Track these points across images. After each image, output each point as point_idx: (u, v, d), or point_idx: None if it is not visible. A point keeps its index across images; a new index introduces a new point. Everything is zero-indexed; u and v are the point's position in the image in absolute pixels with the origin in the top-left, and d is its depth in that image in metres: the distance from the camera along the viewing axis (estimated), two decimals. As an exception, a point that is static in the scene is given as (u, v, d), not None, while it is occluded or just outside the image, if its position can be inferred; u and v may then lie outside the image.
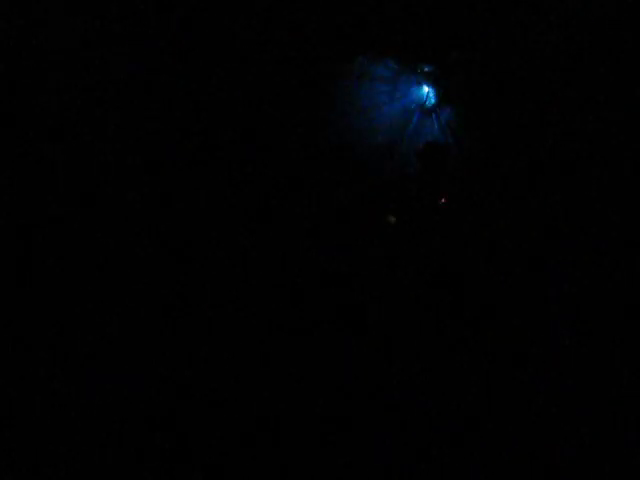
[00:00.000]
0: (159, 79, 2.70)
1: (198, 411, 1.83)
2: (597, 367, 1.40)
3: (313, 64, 4.40)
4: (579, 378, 1.38)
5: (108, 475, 2.79)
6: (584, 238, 1.38)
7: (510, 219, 1.40)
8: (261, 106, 3.93)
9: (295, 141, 3.98)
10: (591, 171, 1.35)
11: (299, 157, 3.57)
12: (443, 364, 1.52)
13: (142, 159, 2.68)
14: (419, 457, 3.24)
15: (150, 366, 1.82)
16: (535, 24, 1.94)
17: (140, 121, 2.74)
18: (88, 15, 3.34)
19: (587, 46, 1.61)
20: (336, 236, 3.53)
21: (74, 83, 3.39)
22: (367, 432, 3.74)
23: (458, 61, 2.72)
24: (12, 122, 3.47)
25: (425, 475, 1.95)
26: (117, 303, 2.29)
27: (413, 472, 3.07)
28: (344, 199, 3.56)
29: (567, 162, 1.33)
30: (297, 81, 4.19)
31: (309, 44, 4.16)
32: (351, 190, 3.64)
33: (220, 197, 2.82)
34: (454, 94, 2.88)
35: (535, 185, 1.37)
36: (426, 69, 8.23)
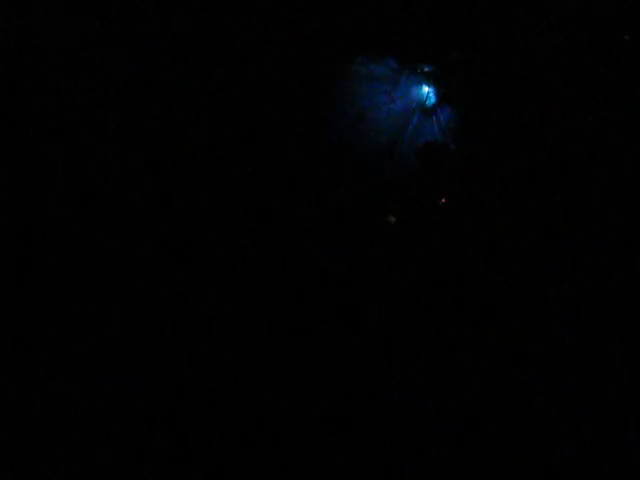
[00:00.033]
0: (159, 79, 2.70)
1: (198, 411, 1.83)
2: (597, 367, 1.40)
3: (313, 64, 4.41)
4: (579, 378, 1.38)
5: (108, 475, 2.79)
6: (584, 238, 1.38)
7: (510, 219, 1.40)
8: (261, 106, 3.94)
9: (295, 141, 3.98)
10: (591, 171, 1.35)
11: (299, 157, 3.57)
12: (443, 364, 1.52)
13: (142, 159, 2.68)
14: (419, 457, 3.24)
15: (150, 366, 1.82)
16: (535, 24, 1.94)
17: (140, 121, 2.74)
18: (88, 15, 3.34)
19: (587, 46, 1.61)
20: (336, 236, 3.53)
21: (74, 83, 3.39)
22: (367, 432, 3.74)
23: (458, 61, 2.72)
24: (12, 122, 3.47)
25: (425, 475, 1.95)
26: (117, 303, 2.29)
27: (413, 472, 3.08)
28: (344, 199, 3.56)
29: (567, 162, 1.33)
30: (297, 81, 4.19)
31: (309, 44, 4.16)
32: (351, 190, 3.64)
33: (220, 197, 2.83)
34: (454, 94, 2.88)
35: (535, 185, 1.37)
36: (426, 69, 8.24)
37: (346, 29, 4.62)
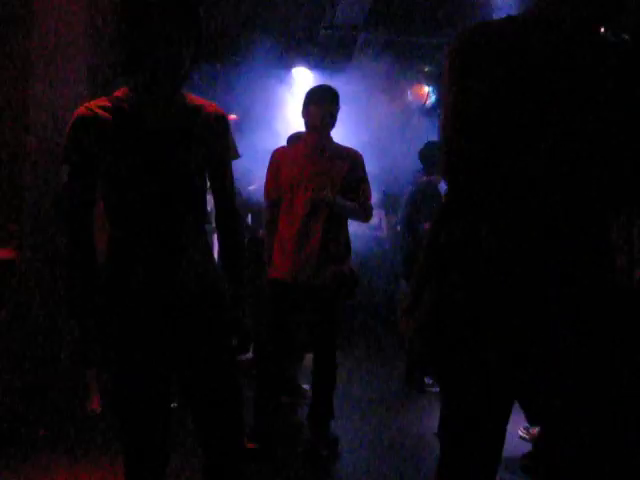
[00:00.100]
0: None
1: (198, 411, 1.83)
2: (597, 367, 1.40)
3: (313, 63, 4.37)
4: (579, 378, 1.38)
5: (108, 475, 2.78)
6: (584, 238, 1.38)
7: (510, 219, 1.40)
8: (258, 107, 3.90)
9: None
10: (591, 171, 1.35)
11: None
12: (443, 364, 1.52)
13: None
14: (419, 456, 3.23)
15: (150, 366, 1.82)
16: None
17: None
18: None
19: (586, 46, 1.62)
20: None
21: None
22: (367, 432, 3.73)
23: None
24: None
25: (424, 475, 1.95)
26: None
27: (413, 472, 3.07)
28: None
29: (567, 162, 1.33)
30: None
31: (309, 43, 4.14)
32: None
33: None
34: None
35: (535, 184, 1.37)
36: (426, 69, 8.20)
37: (346, 28, 4.60)
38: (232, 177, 1.92)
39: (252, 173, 4.34)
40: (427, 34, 6.55)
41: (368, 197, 3.48)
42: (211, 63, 5.92)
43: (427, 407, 4.23)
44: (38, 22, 3.59)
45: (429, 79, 7.56)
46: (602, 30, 1.50)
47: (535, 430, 3.29)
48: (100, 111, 1.70)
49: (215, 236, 2.01)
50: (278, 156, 3.46)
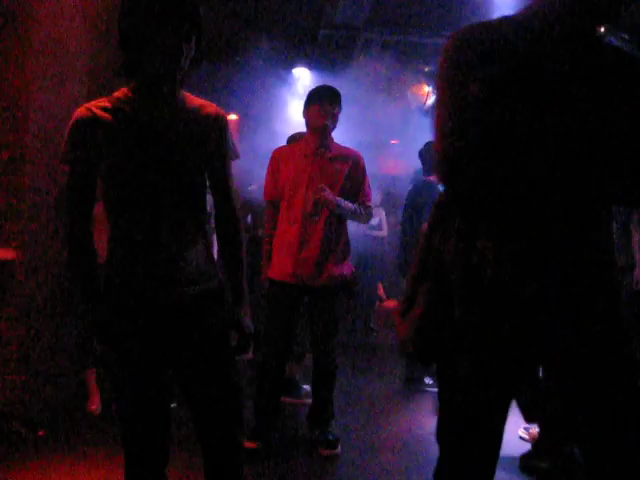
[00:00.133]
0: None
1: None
2: (597, 367, 1.40)
3: (313, 63, 4.37)
4: (579, 378, 1.38)
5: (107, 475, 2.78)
6: (584, 238, 1.38)
7: (510, 218, 1.40)
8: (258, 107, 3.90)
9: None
10: (590, 171, 1.35)
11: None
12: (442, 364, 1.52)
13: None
14: (419, 456, 3.23)
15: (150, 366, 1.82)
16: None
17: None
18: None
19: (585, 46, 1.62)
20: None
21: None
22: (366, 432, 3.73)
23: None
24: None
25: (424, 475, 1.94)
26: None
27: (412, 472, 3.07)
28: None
29: (565, 162, 1.33)
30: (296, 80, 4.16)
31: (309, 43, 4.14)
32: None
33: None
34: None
35: (535, 184, 1.37)
36: (426, 69, 8.20)
37: (346, 28, 4.60)
38: (232, 177, 1.92)
39: (252, 173, 4.34)
40: (427, 34, 6.56)
41: (368, 198, 3.48)
42: (211, 63, 5.92)
43: (427, 407, 4.23)
44: (38, 22, 3.59)
45: (429, 79, 7.56)
46: (602, 30, 1.50)
47: (535, 430, 3.29)
48: (99, 112, 1.70)
49: (215, 236, 2.00)
50: (278, 156, 3.46)
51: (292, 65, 7.32)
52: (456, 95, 1.34)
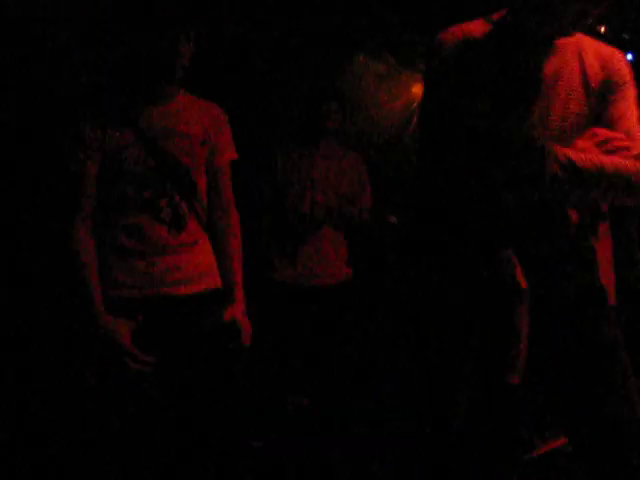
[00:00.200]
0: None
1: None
2: (597, 367, 1.40)
3: (312, 63, 4.39)
4: (579, 378, 1.38)
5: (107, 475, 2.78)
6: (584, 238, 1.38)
7: (510, 218, 1.40)
8: (260, 107, 3.91)
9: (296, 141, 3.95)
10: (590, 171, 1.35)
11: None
12: (442, 365, 1.52)
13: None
14: (417, 457, 3.22)
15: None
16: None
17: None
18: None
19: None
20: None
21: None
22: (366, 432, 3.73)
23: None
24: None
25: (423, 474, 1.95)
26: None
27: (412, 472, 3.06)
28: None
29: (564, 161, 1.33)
30: (296, 81, 4.16)
31: (308, 43, 4.14)
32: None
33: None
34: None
35: (535, 184, 1.37)
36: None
37: (345, 28, 4.60)
38: (231, 176, 1.92)
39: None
40: (427, 33, 6.52)
41: (369, 202, 3.48)
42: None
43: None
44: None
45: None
46: (602, 30, 1.51)
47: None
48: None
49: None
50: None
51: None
52: (429, 102, 1.39)
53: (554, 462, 2.98)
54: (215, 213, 1.91)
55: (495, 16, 1.44)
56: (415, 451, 1.93)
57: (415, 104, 7.41)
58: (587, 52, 1.39)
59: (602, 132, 1.32)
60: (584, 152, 1.27)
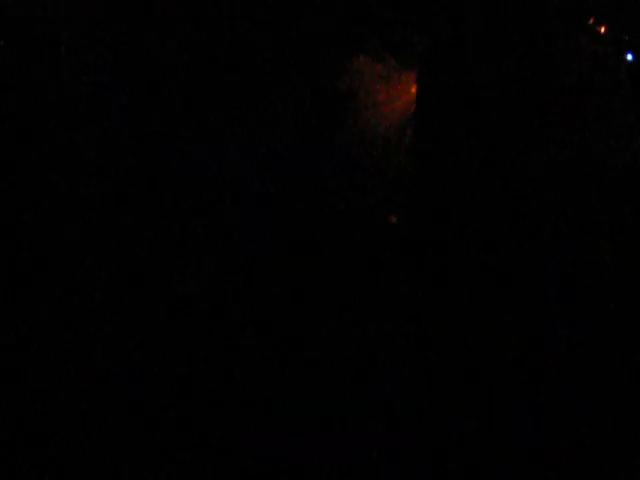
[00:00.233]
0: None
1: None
2: (597, 367, 1.40)
3: (312, 63, 4.40)
4: (579, 378, 1.38)
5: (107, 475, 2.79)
6: (584, 238, 1.38)
7: (510, 218, 1.40)
8: (259, 107, 3.92)
9: (294, 140, 3.96)
10: (590, 170, 1.35)
11: (299, 156, 3.56)
12: (442, 365, 1.52)
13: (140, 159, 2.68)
14: (417, 457, 3.23)
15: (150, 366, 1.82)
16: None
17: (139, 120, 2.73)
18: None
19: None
20: (336, 237, 3.53)
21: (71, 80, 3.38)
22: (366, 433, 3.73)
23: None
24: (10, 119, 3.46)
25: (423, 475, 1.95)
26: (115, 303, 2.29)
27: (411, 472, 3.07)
28: (344, 199, 3.56)
29: (566, 162, 1.33)
30: (296, 80, 4.18)
31: (308, 43, 4.15)
32: (351, 189, 3.63)
33: (218, 192, 2.82)
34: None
35: (535, 184, 1.37)
36: (426, 68, 8.21)
37: (345, 27, 4.61)
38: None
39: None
40: (427, 33, 6.53)
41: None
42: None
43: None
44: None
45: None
46: (602, 30, 1.51)
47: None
48: None
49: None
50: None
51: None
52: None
53: (554, 462, 2.98)
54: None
55: None
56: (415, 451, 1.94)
57: (415, 104, 7.43)
58: None
59: None
60: None
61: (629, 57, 2.59)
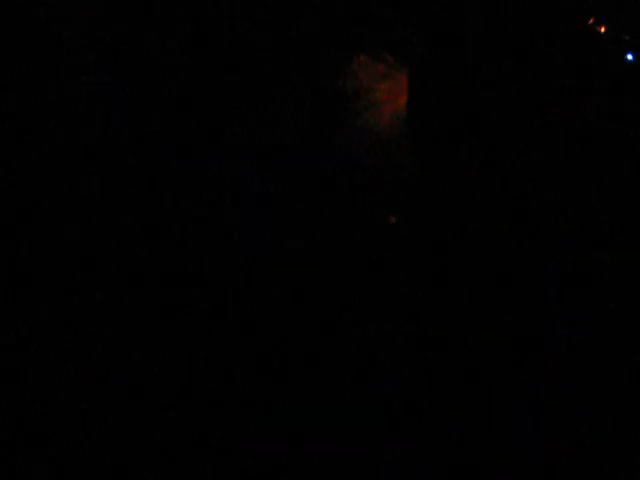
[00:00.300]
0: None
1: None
2: (597, 367, 1.40)
3: (312, 63, 4.40)
4: (579, 378, 1.38)
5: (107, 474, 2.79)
6: (584, 238, 1.38)
7: (510, 218, 1.40)
8: (258, 108, 3.92)
9: (293, 140, 3.96)
10: (590, 170, 1.35)
11: (299, 156, 3.56)
12: (442, 365, 1.53)
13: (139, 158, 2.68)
14: (416, 457, 3.23)
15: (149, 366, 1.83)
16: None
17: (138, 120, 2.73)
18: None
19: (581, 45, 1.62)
20: (336, 237, 3.53)
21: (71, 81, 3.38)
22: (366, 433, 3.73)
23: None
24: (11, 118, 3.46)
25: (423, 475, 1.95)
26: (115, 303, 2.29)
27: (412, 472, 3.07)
28: (344, 200, 3.56)
29: (564, 162, 1.33)
30: (296, 80, 4.17)
31: (308, 43, 4.15)
32: (351, 189, 3.63)
33: (217, 190, 2.82)
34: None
35: (535, 184, 1.37)
36: (426, 68, 8.21)
37: (345, 27, 4.61)
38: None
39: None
40: (427, 33, 6.53)
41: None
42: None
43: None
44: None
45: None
46: (602, 30, 1.51)
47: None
48: None
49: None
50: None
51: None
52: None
53: (554, 462, 2.98)
54: None
55: None
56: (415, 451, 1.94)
57: (415, 104, 7.43)
58: None
59: None
60: None
61: (629, 57, 2.59)
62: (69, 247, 2.62)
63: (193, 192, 2.75)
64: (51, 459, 2.80)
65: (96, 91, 3.13)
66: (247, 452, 2.85)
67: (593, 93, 1.37)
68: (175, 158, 2.75)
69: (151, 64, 2.31)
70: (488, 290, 1.58)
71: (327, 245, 3.48)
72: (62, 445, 3.06)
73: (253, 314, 3.91)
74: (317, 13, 4.15)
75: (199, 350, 2.12)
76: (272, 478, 3.09)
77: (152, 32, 1.81)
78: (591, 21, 1.49)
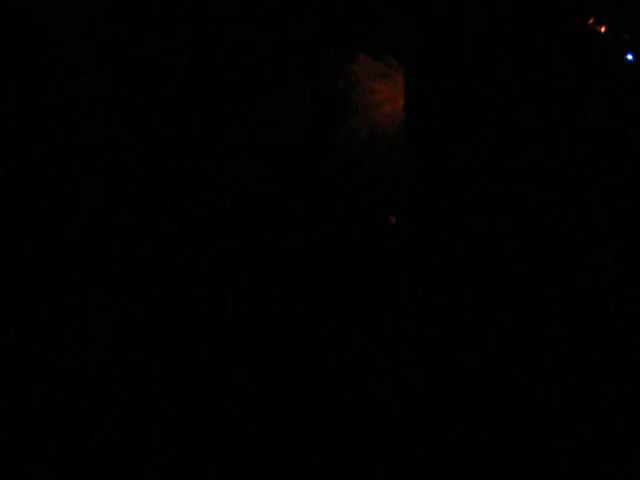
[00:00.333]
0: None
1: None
2: (597, 367, 1.40)
3: (312, 63, 4.39)
4: (579, 378, 1.38)
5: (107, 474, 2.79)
6: (584, 238, 1.38)
7: (510, 218, 1.40)
8: (258, 108, 3.92)
9: (294, 140, 3.96)
10: (590, 170, 1.35)
11: (299, 157, 3.56)
12: (442, 365, 1.53)
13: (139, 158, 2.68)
14: (417, 457, 3.23)
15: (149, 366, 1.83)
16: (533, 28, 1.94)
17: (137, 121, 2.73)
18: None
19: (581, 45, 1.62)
20: (336, 237, 3.53)
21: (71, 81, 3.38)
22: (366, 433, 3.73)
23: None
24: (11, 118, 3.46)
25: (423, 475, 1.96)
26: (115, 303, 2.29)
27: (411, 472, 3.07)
28: (344, 200, 3.56)
29: (564, 162, 1.33)
30: (296, 80, 4.17)
31: (308, 43, 4.15)
32: (351, 189, 3.63)
33: (216, 189, 2.82)
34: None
35: (535, 184, 1.37)
36: (426, 68, 8.21)
37: (345, 27, 4.61)
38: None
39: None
40: (427, 33, 6.53)
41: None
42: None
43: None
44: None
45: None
46: (603, 30, 1.51)
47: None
48: None
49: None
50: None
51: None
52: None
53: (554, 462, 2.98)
54: None
55: None
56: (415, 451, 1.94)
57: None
58: None
59: None
60: None
61: (629, 57, 2.60)
62: (69, 247, 2.62)
63: (193, 192, 2.75)
64: (51, 459, 2.80)
65: (96, 91, 3.13)
66: (247, 452, 2.85)
67: (593, 93, 1.37)
68: (175, 158, 2.74)
69: (151, 64, 2.31)
70: (488, 290, 1.58)
71: (327, 245, 3.47)
72: (62, 445, 3.06)
73: (253, 314, 3.91)
74: (317, 13, 4.16)
75: (199, 350, 2.12)
76: (272, 478, 3.09)
77: (152, 32, 1.81)
78: (591, 21, 1.49)
